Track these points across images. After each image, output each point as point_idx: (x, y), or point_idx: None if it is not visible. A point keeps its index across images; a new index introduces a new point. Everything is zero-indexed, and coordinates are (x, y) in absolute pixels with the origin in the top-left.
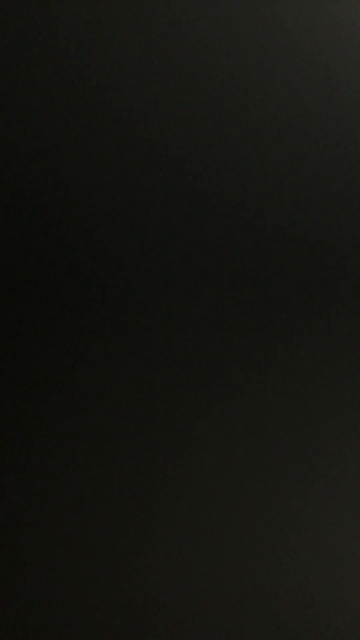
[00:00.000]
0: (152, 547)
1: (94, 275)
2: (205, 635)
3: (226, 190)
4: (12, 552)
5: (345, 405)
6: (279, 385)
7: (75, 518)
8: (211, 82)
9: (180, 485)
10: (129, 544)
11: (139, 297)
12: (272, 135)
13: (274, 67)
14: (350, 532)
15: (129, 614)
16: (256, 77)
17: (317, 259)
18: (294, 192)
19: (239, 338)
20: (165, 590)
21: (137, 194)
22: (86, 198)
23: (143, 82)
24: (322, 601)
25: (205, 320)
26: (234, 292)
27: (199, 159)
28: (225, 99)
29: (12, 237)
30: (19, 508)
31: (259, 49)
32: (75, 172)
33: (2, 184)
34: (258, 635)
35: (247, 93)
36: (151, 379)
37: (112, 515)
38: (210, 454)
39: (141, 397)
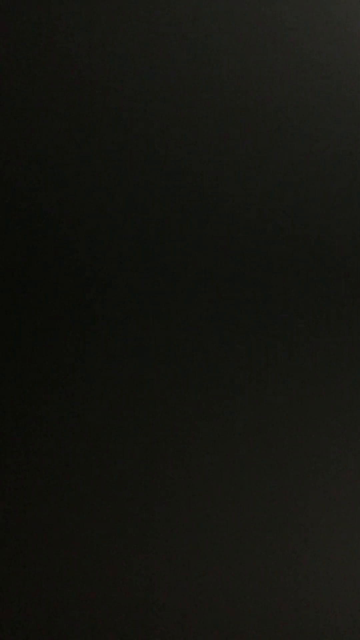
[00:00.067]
0: (152, 547)
1: (94, 275)
2: (205, 635)
3: (226, 189)
4: (12, 552)
5: (346, 406)
6: (279, 386)
7: (75, 518)
8: (211, 82)
9: (181, 486)
10: (129, 544)
11: (139, 297)
12: (272, 135)
13: (274, 66)
14: (350, 532)
15: (129, 614)
16: (256, 76)
17: (317, 258)
18: (294, 191)
19: (239, 338)
20: (165, 590)
21: (137, 193)
22: (86, 198)
23: (143, 81)
24: (322, 601)
25: (205, 320)
26: (234, 292)
27: (199, 159)
28: (225, 99)
29: (13, 237)
30: (18, 508)
31: (259, 48)
32: (75, 172)
33: (2, 183)
34: (258, 635)
35: (247, 93)
36: (151, 379)
37: (112, 516)
38: (210, 454)
39: (141, 397)
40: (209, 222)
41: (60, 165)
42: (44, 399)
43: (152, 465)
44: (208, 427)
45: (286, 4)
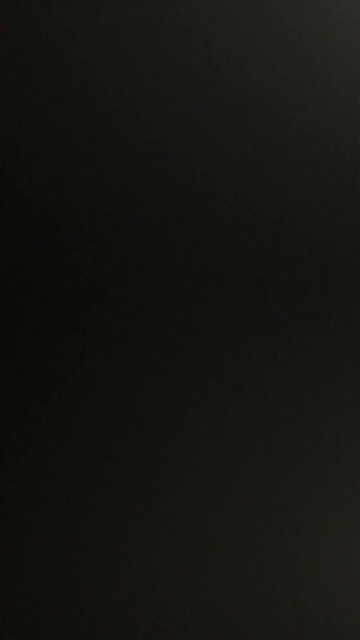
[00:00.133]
0: (152, 547)
1: (94, 275)
2: (205, 635)
3: (226, 189)
4: (12, 552)
5: (346, 406)
6: (279, 386)
7: (75, 518)
8: (211, 82)
9: (180, 486)
10: (129, 544)
11: (139, 298)
12: (272, 135)
13: (274, 66)
14: (350, 532)
15: (129, 614)
16: (256, 76)
17: (317, 259)
18: (294, 191)
19: (239, 338)
20: (165, 590)
21: (137, 193)
22: (86, 199)
23: (143, 81)
24: (322, 601)
25: (205, 320)
26: (234, 292)
27: (199, 159)
28: (225, 99)
29: (13, 237)
30: (18, 508)
31: (259, 48)
32: (75, 172)
33: (2, 183)
34: (258, 635)
35: (246, 92)
36: (151, 379)
37: (112, 516)
38: (210, 454)
39: (141, 398)
40: (208, 222)
41: (60, 165)
42: (44, 399)
43: (152, 465)
44: (208, 427)
45: (286, 4)
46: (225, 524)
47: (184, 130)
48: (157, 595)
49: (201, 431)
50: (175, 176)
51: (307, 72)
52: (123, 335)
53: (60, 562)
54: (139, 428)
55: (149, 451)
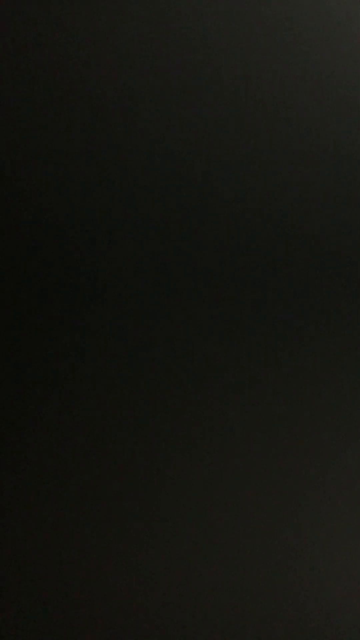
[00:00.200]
0: (152, 547)
1: (94, 275)
2: (206, 635)
3: (226, 189)
4: (11, 552)
5: (346, 406)
6: (279, 386)
7: (75, 518)
8: (211, 82)
9: (180, 486)
10: (129, 544)
11: (139, 298)
12: (272, 135)
13: (273, 66)
14: (350, 530)
15: (128, 614)
16: (256, 76)
17: (317, 258)
18: (294, 191)
19: (239, 338)
20: (164, 589)
21: (138, 194)
22: (87, 200)
23: (143, 81)
24: (322, 601)
25: (205, 320)
26: (234, 292)
27: (199, 159)
28: (225, 98)
29: (13, 236)
30: (18, 507)
31: (259, 48)
32: (75, 171)
33: (3, 182)
34: (258, 635)
35: (247, 92)
36: (151, 379)
37: (112, 516)
38: (210, 454)
39: (141, 398)
40: (208, 222)
41: (60, 166)
42: (44, 400)
43: (152, 466)
44: (208, 426)
45: (286, 4)
46: (225, 524)
47: (184, 129)
48: (156, 595)
49: (201, 431)
50: (175, 176)
51: (307, 71)
52: (123, 335)
53: (60, 562)
54: (139, 428)
55: (149, 451)
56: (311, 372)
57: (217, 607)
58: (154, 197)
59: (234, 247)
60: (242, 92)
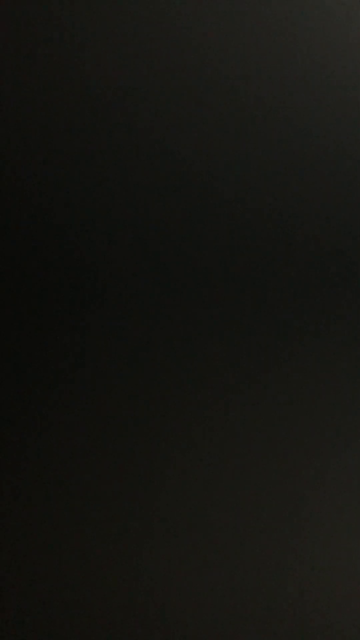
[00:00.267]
0: (152, 547)
1: (93, 276)
2: (206, 634)
3: (226, 189)
4: (11, 552)
5: (346, 406)
6: (279, 386)
7: (75, 518)
8: (211, 82)
9: (180, 486)
10: (129, 544)
11: (139, 298)
12: (271, 134)
13: (273, 66)
14: (351, 532)
15: (128, 614)
16: (256, 76)
17: (318, 259)
18: (294, 191)
19: (239, 339)
20: (164, 589)
21: (138, 194)
22: (87, 200)
23: (143, 80)
24: (322, 601)
25: (206, 321)
26: (234, 293)
27: (199, 158)
28: (224, 98)
29: (13, 235)
30: (18, 507)
31: (259, 48)
32: (76, 170)
33: (3, 181)
34: (258, 635)
35: (247, 92)
36: (151, 380)
37: (111, 517)
38: (210, 454)
39: (141, 398)
40: (208, 223)
41: (61, 165)
42: (44, 399)
43: (152, 466)
44: (208, 427)
45: (286, 4)
46: (225, 525)
47: (184, 129)
48: (156, 595)
49: (201, 431)
50: (175, 176)
51: (306, 70)
52: (122, 335)
53: (59, 561)
54: (139, 428)
55: (149, 451)
56: (311, 372)
57: (217, 607)
58: (154, 197)
59: (234, 247)
60: (242, 92)
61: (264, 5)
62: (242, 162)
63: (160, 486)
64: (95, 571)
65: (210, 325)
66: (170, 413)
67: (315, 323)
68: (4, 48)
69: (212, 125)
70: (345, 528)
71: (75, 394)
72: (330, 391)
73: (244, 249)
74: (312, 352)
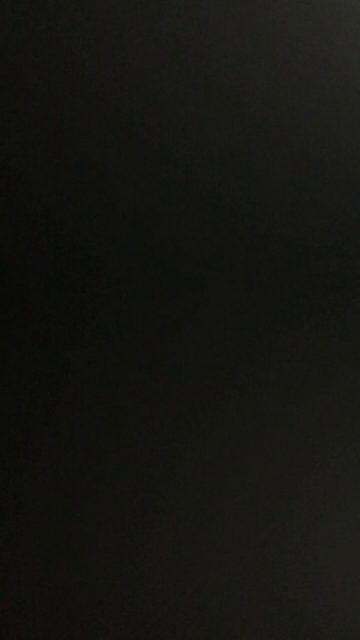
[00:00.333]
0: (152, 547)
1: (92, 273)
2: (205, 634)
3: (226, 189)
4: (11, 552)
5: (346, 406)
6: (279, 386)
7: (75, 518)
8: (211, 81)
9: (180, 485)
10: (128, 544)
11: (139, 299)
12: (272, 134)
13: (274, 66)
14: (350, 532)
15: (128, 614)
16: (257, 76)
17: (317, 259)
18: (294, 190)
19: (240, 339)
20: (165, 590)
21: (138, 194)
22: (87, 201)
23: (144, 81)
24: (322, 601)
25: (206, 323)
26: (235, 293)
27: (199, 158)
28: (225, 98)
29: (12, 235)
30: (19, 507)
31: (259, 48)
32: (76, 169)
33: (3, 178)
34: (258, 634)
35: (247, 93)
36: (150, 381)
37: (110, 518)
38: (210, 454)
39: (140, 398)
40: (209, 223)
41: (62, 164)
42: (42, 401)
43: (151, 467)
44: (208, 426)
45: (286, 4)
46: (225, 525)
47: (184, 128)
48: (156, 595)
49: (201, 431)
50: (174, 176)
51: (307, 71)
52: (122, 339)
53: (59, 561)
54: (139, 427)
55: (148, 451)
56: (311, 372)
57: (217, 607)
58: (154, 196)
59: (234, 245)
60: (241, 92)
61: (265, 5)
62: (242, 161)
63: (160, 485)
64: (95, 572)
65: (210, 325)
66: (170, 412)
67: (316, 323)
68: (4, 48)
69: (212, 123)
70: (346, 527)
71: (75, 394)
72: (331, 391)
73: (244, 248)
74: (312, 351)
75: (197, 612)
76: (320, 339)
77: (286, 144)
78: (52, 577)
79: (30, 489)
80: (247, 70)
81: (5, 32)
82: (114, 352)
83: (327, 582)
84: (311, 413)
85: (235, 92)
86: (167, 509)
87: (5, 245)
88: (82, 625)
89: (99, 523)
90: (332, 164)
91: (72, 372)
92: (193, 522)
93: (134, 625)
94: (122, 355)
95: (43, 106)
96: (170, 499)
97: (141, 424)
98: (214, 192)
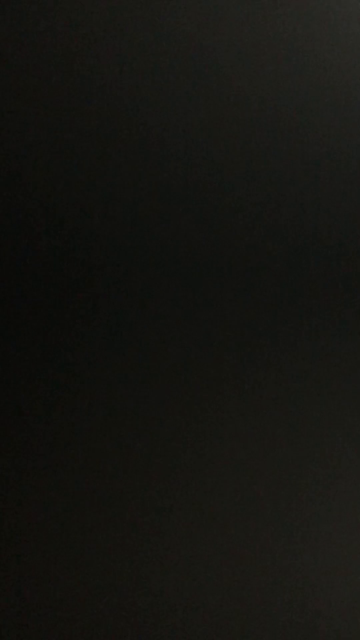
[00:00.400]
0: (152, 548)
1: (93, 275)
2: (206, 634)
3: (227, 187)
4: (11, 552)
5: (346, 406)
6: (280, 387)
7: (75, 518)
8: (211, 81)
9: (180, 487)
10: (128, 544)
11: (139, 299)
12: (272, 134)
13: (274, 66)
14: (351, 532)
15: (128, 614)
16: (257, 75)
17: (317, 259)
18: (294, 190)
19: (240, 339)
20: (165, 588)
21: (138, 194)
22: (87, 201)
23: (144, 79)
24: (322, 601)
25: (206, 323)
26: (234, 293)
27: (200, 160)
28: (225, 99)
29: (12, 233)
30: (19, 505)
31: (259, 48)
32: (76, 169)
33: (3, 175)
34: (259, 634)
35: (247, 92)
36: (151, 381)
37: (110, 519)
38: (210, 455)
39: (141, 399)
40: (208, 223)
41: (62, 165)
42: (43, 400)
43: (152, 467)
44: (208, 426)
45: (286, 4)
46: (225, 525)
47: (185, 129)
48: (157, 596)
49: (201, 431)
50: (174, 176)
51: (307, 71)
52: (122, 335)
53: (59, 564)
54: (139, 428)
55: (148, 452)
56: (311, 372)
57: (218, 607)
58: (154, 196)
59: (234, 246)
60: (241, 92)
61: (265, 6)
62: (243, 161)
63: (161, 484)
64: (95, 572)
65: (210, 326)
66: (170, 412)
67: (315, 323)
68: (4, 47)
69: (212, 123)
70: (346, 527)
71: (75, 393)
72: (331, 391)
73: (244, 247)
74: (311, 351)
75: (197, 612)
76: (320, 339)
77: (286, 144)
78: (52, 577)
79: (30, 489)
80: (247, 70)
81: (5, 32)
82: (114, 352)
83: (327, 582)
84: (311, 413)
85: (235, 92)
86: (167, 509)
87: (5, 245)
88: (82, 625)
89: (99, 523)
90: (332, 164)
91: (72, 372)
92: (193, 522)
93: (134, 625)
94: (122, 355)
95: (43, 106)
96: (170, 499)
97: (141, 423)
98: (214, 192)
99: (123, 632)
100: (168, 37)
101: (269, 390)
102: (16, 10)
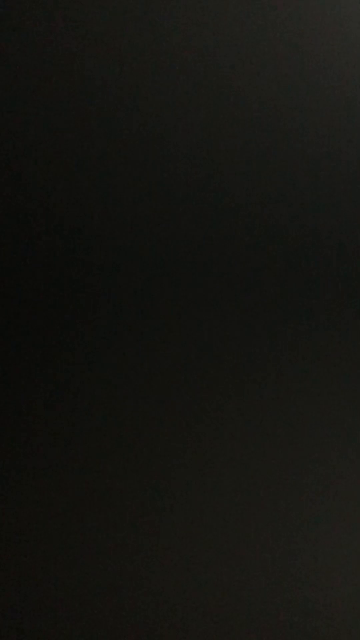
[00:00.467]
0: (152, 548)
1: (91, 271)
2: (205, 634)
3: (227, 187)
4: (11, 553)
5: (346, 406)
6: (279, 387)
7: (75, 518)
8: (211, 81)
9: (180, 487)
10: (128, 545)
11: (139, 299)
12: (272, 135)
13: (274, 66)
14: (351, 532)
15: (129, 615)
16: (257, 76)
17: (317, 259)
18: (294, 191)
19: (240, 339)
20: (165, 590)
21: (138, 193)
22: (87, 201)
23: (144, 80)
24: (322, 601)
25: (206, 323)
26: (234, 293)
27: (200, 160)
28: (225, 99)
29: (12, 232)
30: (19, 505)
31: (259, 48)
32: (76, 169)
33: (3, 175)
34: (258, 634)
35: (247, 93)
36: (151, 381)
37: (112, 516)
38: (210, 455)
39: (141, 399)
40: (208, 223)
41: (62, 163)
42: (42, 400)
43: (151, 467)
44: (208, 426)
45: (286, 4)
46: (225, 525)
47: (185, 128)
48: (157, 596)
49: (201, 431)
50: (174, 176)
51: (307, 72)
52: (121, 335)
53: (59, 564)
54: (138, 428)
55: (148, 452)
56: (311, 372)
57: (217, 606)
58: (154, 196)
59: (234, 246)
60: (242, 92)
61: (265, 6)
62: (243, 161)
63: (160, 484)
64: (95, 572)
65: (210, 326)
66: (170, 412)
67: (315, 323)
68: (4, 47)
69: (212, 123)
70: (346, 526)
71: (74, 393)
72: (331, 391)
73: (244, 246)
74: (312, 351)
75: (197, 612)
76: (321, 339)
77: (286, 144)
78: (52, 577)
79: (30, 489)
80: (247, 71)
81: (6, 32)
82: (114, 352)
83: (327, 582)
84: (311, 413)
85: (235, 92)
86: (167, 509)
87: (5, 245)
88: (82, 625)
89: (99, 523)
90: (332, 164)
91: (72, 372)
92: (193, 522)
93: (134, 625)
94: (122, 355)
95: (43, 106)
96: (170, 498)
97: (141, 423)
98: (214, 192)
99: (123, 632)
100: (168, 37)
101: (269, 390)
102: (16, 10)
